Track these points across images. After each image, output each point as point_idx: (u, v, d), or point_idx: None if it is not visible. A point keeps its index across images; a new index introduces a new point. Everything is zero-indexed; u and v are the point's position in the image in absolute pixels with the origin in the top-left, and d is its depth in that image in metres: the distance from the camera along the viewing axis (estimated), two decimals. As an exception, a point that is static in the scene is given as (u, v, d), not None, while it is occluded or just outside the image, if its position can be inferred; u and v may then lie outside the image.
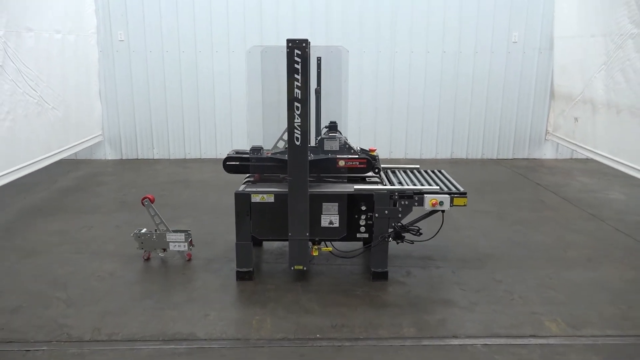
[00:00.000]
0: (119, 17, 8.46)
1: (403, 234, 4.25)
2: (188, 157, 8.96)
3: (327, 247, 4.40)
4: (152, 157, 8.92)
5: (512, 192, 7.04)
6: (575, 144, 7.93)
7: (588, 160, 8.08)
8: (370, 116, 8.89)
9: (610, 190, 7.18)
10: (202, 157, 8.96)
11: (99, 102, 8.64)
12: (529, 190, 7.19)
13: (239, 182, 4.45)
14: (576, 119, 7.91)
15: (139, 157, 8.93)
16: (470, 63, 8.81)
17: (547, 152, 9.21)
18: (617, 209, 6.31)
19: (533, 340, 3.48)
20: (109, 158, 8.94)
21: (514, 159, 9.12)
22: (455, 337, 3.53)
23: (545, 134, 9.06)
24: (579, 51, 7.74)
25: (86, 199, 6.61)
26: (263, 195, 4.18)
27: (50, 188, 7.12)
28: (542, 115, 9.00)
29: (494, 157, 9.14)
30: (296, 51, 3.87)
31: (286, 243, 4.37)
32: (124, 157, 8.94)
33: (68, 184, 7.41)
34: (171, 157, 8.93)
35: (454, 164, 8.65)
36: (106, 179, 7.68)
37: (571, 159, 9.07)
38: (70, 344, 3.42)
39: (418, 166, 4.99)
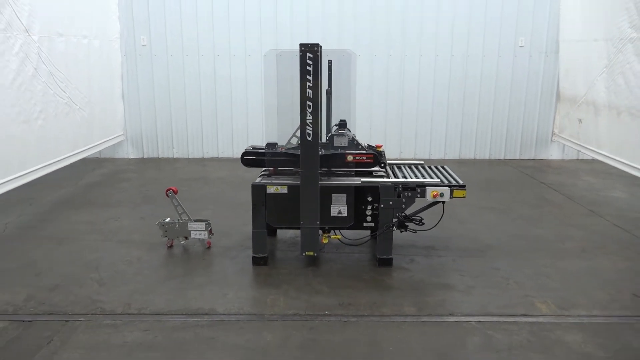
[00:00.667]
0: (142, 22, 8.91)
1: (406, 224, 4.59)
2: (206, 156, 9.37)
3: (336, 235, 4.75)
4: (172, 156, 9.35)
5: (517, 190, 7.32)
6: (580, 145, 8.17)
7: (594, 161, 8.31)
8: (381, 117, 9.22)
9: (613, 189, 7.43)
10: (219, 157, 9.36)
11: (122, 103, 9.09)
12: (533, 188, 7.46)
13: (254, 179, 4.79)
14: (580, 121, 8.16)
15: (160, 156, 9.36)
16: (478, 66, 9.10)
17: (554, 153, 9.45)
18: (617, 207, 6.56)
19: (524, 319, 3.80)
20: (131, 157, 9.38)
21: (521, 159, 9.37)
22: (452, 315, 3.87)
23: (552, 135, 9.30)
24: (583, 54, 8.00)
25: (111, 194, 7.04)
26: (277, 186, 4.54)
27: (78, 183, 7.57)
28: (549, 116, 9.25)
29: (502, 158, 9.40)
30: (308, 54, 4.23)
31: (298, 233, 4.74)
32: (145, 156, 9.38)
33: (94, 180, 7.86)
34: (190, 156, 9.35)
35: (462, 164, 8.93)
36: (129, 175, 8.12)
37: (577, 159, 9.29)
38: (104, 316, 3.82)
39: (422, 162, 5.32)
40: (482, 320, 3.77)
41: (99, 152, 8.66)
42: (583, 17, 8.05)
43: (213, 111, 9.22)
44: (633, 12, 6.49)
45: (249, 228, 4.74)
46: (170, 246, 5.14)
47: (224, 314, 3.85)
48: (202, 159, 9.28)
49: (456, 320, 3.79)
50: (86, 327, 3.66)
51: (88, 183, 7.66)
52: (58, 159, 6.83)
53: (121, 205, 6.50)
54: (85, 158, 7.68)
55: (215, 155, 9.37)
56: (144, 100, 9.19)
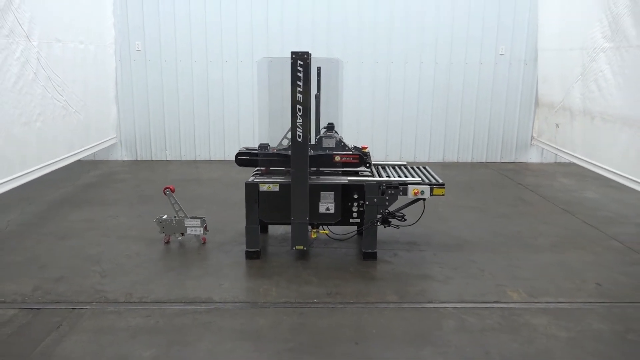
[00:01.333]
0: (137, 29, 9.19)
1: (390, 219, 4.92)
2: (198, 158, 9.65)
3: (324, 230, 5.07)
4: (164, 159, 9.61)
5: (496, 191, 7.71)
6: (557, 148, 8.58)
7: (571, 164, 8.69)
8: (368, 122, 9.57)
9: (586, 190, 7.83)
10: (211, 159, 9.64)
11: (115, 107, 9.35)
12: (511, 189, 7.85)
13: (245, 180, 5.01)
14: (557, 125, 8.58)
15: (153, 159, 9.62)
16: (461, 73, 9.50)
17: (533, 157, 9.87)
18: (588, 206, 6.96)
19: (496, 305, 4.14)
20: (125, 159, 9.63)
21: (502, 162, 9.77)
22: (430, 302, 4.20)
23: (531, 139, 9.72)
24: (560, 63, 8.42)
25: (108, 193, 7.30)
26: (269, 184, 4.85)
27: (75, 184, 7.82)
28: (528, 121, 9.67)
29: (483, 161, 9.80)
30: (299, 62, 4.55)
31: (288, 230, 5.05)
32: (138, 158, 9.63)
33: (90, 180, 8.11)
34: (182, 159, 9.62)
35: (446, 167, 9.30)
36: (124, 176, 8.38)
37: (555, 163, 9.72)
38: (108, 304, 4.10)
39: (405, 163, 5.67)
40: (458, 306, 4.11)
41: (93, 154, 8.90)
42: (560, 28, 8.48)
43: (205, 115, 9.52)
44: (605, 24, 6.90)
45: (241, 225, 5.04)
46: (167, 242, 5.42)
47: (220, 302, 4.15)
48: (195, 161, 9.55)
49: (434, 306, 4.12)
50: (92, 314, 3.93)
51: (85, 183, 7.91)
52: (56, 159, 7.07)
53: (118, 204, 6.76)
54: (80, 160, 7.91)
55: (207, 158, 9.66)
56: (138, 104, 9.46)
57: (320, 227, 5.06)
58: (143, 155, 9.66)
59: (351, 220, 4.95)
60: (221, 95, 9.45)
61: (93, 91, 8.34)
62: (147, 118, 9.51)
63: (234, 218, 5.97)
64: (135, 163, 9.44)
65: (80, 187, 7.72)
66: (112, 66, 9.20)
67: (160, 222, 5.37)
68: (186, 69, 9.35)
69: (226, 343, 3.58)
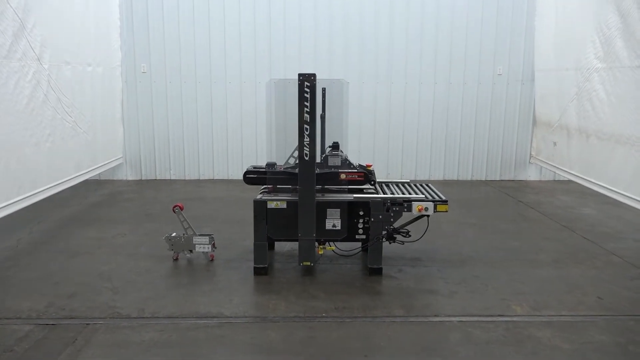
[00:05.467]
0: (142, 51, 9.41)
1: (395, 236, 5.04)
2: (202, 177, 9.79)
3: (330, 246, 5.18)
4: (169, 178, 9.74)
5: (496, 208, 7.85)
6: (555, 166, 8.74)
7: (569, 182, 8.81)
8: (369, 141, 9.74)
9: (585, 206, 7.98)
10: (214, 178, 9.78)
11: (121, 127, 9.51)
12: (511, 206, 7.99)
13: (249, 199, 5.17)
14: (555, 143, 8.75)
15: (157, 178, 9.75)
16: (460, 93, 9.71)
17: (532, 174, 10.03)
18: (588, 222, 7.09)
19: (500, 318, 4.25)
20: (130, 178, 9.76)
21: (502, 180, 9.92)
22: (436, 315, 4.31)
23: (530, 157, 9.89)
24: (556, 82, 8.63)
25: (116, 212, 7.42)
26: (277, 202, 4.98)
27: (83, 203, 7.94)
28: (526, 140, 9.85)
29: (483, 179, 9.95)
30: (306, 83, 4.73)
31: (295, 246, 5.16)
32: (143, 178, 9.77)
33: (97, 199, 8.23)
34: (187, 178, 9.75)
35: (446, 184, 9.44)
36: (131, 195, 8.50)
37: (554, 180, 9.86)
38: (121, 319, 4.19)
39: (408, 180, 5.81)
40: (463, 319, 4.22)
41: (99, 174, 9.02)
42: (555, 49, 8.71)
43: (209, 134, 9.68)
44: (597, 44, 7.13)
45: (247, 243, 5.16)
46: (176, 259, 5.52)
47: (231, 317, 4.25)
48: (198, 180, 9.68)
49: (440, 320, 4.23)
50: (106, 329, 4.03)
51: (92, 202, 8.03)
52: (64, 179, 7.19)
53: (126, 223, 6.88)
54: (86, 180, 8.04)
55: (211, 177, 9.79)
56: (143, 124, 9.63)
57: (327, 243, 5.17)
58: (148, 175, 9.79)
59: (357, 236, 5.07)
60: (225, 115, 9.62)
61: (100, 112, 8.50)
62: (152, 138, 9.67)
63: (240, 235, 6.08)
64: (140, 182, 9.57)
65: (88, 206, 7.84)
66: (119, 88, 9.40)
67: (169, 239, 5.48)
68: (190, 90, 9.54)
69: (239, 356, 3.68)
